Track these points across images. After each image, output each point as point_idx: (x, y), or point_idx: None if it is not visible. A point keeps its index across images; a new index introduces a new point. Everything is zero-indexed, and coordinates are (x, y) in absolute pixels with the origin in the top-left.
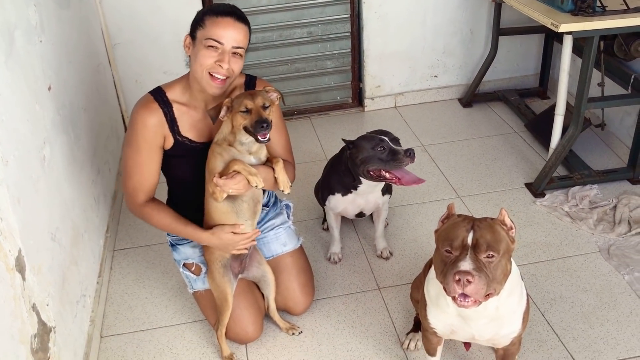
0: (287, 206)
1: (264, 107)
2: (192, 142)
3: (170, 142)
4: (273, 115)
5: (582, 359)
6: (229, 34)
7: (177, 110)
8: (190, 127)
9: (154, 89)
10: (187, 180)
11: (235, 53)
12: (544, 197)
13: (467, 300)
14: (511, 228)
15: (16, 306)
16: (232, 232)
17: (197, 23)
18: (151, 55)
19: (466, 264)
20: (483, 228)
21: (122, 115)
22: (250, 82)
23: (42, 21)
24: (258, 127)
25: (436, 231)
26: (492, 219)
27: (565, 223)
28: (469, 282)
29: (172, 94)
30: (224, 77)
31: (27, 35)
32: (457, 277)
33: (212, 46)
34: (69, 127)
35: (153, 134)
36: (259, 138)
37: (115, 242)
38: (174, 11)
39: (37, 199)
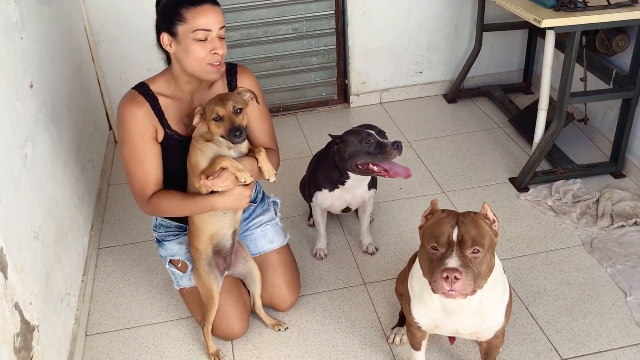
0: (275, 202)
1: (237, 112)
2: (181, 136)
3: (161, 135)
4: (257, 102)
5: (566, 351)
6: (213, 19)
7: (163, 102)
8: (177, 120)
9: (136, 85)
10: (175, 170)
11: (221, 37)
12: (527, 191)
13: (455, 293)
14: (494, 221)
15: None
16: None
17: (174, 18)
18: (135, 52)
19: (453, 261)
20: (467, 223)
21: (106, 113)
22: (231, 70)
23: (22, 18)
24: (232, 135)
25: (420, 227)
26: (475, 213)
27: (548, 217)
28: (456, 279)
29: (156, 87)
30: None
31: (7, 32)
32: (445, 275)
33: (202, 38)
34: (51, 124)
35: (144, 126)
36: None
37: (100, 240)
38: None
39: (19, 197)
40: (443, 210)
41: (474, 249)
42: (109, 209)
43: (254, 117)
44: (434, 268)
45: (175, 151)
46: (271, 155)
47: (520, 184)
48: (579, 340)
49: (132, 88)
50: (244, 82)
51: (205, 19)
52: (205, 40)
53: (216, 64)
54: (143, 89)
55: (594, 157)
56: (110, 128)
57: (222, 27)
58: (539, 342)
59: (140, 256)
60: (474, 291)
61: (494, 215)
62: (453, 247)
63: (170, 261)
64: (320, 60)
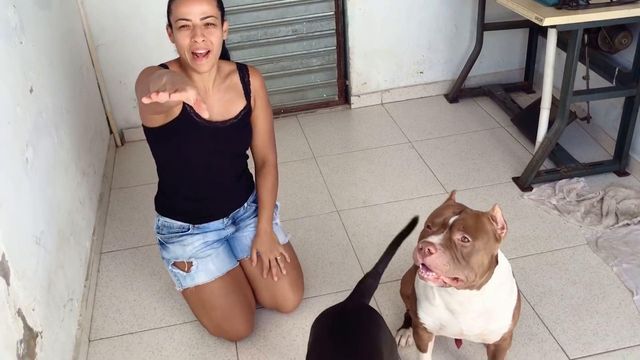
0: (274, 205)
1: None
2: (198, 117)
3: (178, 109)
4: (260, 97)
5: (573, 351)
6: (193, 8)
7: None
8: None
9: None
10: (184, 162)
11: (207, 24)
12: (531, 190)
13: (428, 273)
14: (503, 228)
15: (0, 312)
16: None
17: (168, 11)
18: (135, 55)
19: (434, 238)
20: (468, 214)
21: (107, 117)
22: (242, 68)
23: (22, 22)
24: None
25: (431, 213)
26: (483, 212)
27: (553, 216)
28: (430, 252)
29: (174, 68)
30: (205, 51)
31: (7, 37)
32: (420, 246)
33: (183, 26)
34: (52, 129)
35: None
36: None
37: (102, 245)
38: (157, 10)
39: (20, 203)
40: (456, 202)
41: (463, 237)
42: (110, 213)
43: (258, 114)
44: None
45: (187, 136)
46: (267, 178)
47: (524, 183)
48: (586, 340)
49: None
50: (255, 79)
51: (184, 8)
52: (188, 29)
53: (199, 52)
54: (163, 66)
55: (598, 155)
56: (111, 132)
57: (208, 17)
58: (546, 343)
59: (142, 260)
60: (456, 280)
61: (504, 221)
62: (444, 229)
63: (174, 263)
64: (321, 62)
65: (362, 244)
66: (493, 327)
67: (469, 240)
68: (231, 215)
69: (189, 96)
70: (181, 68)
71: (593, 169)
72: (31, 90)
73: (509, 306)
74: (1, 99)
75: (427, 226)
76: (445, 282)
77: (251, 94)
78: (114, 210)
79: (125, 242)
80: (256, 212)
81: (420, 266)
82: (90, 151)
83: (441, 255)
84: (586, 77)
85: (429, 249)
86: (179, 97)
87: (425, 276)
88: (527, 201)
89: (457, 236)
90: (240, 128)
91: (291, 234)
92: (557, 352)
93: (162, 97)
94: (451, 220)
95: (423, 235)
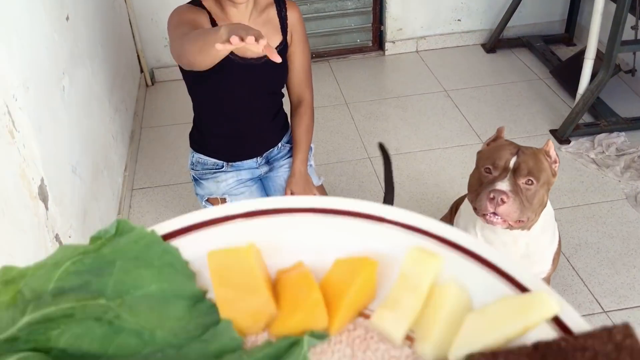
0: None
1: None
2: (231, 54)
3: None
4: (297, 32)
5: (608, 304)
6: None
7: (217, 18)
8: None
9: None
10: (220, 99)
11: None
12: (569, 143)
13: (496, 217)
14: (555, 162)
15: (40, 234)
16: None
17: None
18: None
19: (503, 185)
20: (527, 154)
21: (138, 55)
22: (279, 2)
23: None
24: None
25: (479, 152)
26: (537, 149)
27: (590, 170)
28: (502, 201)
29: (208, 4)
30: None
31: None
32: (491, 195)
33: None
34: (86, 60)
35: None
36: None
37: (134, 182)
38: None
39: (57, 130)
40: (507, 140)
41: (528, 180)
42: (141, 150)
43: (294, 50)
44: (482, 189)
45: (223, 74)
46: (303, 118)
47: (562, 135)
48: (622, 293)
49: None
50: (293, 13)
51: None
52: None
53: None
54: (196, 3)
55: None
56: (142, 71)
57: None
58: (581, 294)
59: (173, 198)
60: (518, 222)
61: (557, 155)
62: (507, 172)
63: (208, 199)
64: (356, 5)
65: (395, 191)
66: (534, 271)
67: (532, 182)
68: (265, 154)
69: (263, 43)
70: (215, 2)
71: (635, 123)
72: (67, 18)
73: (550, 250)
74: (39, 24)
75: (487, 170)
76: (510, 225)
77: (288, 29)
78: (145, 148)
79: (157, 180)
80: (290, 153)
81: (489, 213)
82: (122, 88)
83: (512, 202)
84: (635, 27)
85: (501, 198)
86: (256, 47)
87: (495, 221)
88: (564, 154)
89: (523, 180)
90: (275, 65)
91: (324, 178)
92: (592, 303)
93: (250, 41)
94: (512, 162)
95: (481, 180)
